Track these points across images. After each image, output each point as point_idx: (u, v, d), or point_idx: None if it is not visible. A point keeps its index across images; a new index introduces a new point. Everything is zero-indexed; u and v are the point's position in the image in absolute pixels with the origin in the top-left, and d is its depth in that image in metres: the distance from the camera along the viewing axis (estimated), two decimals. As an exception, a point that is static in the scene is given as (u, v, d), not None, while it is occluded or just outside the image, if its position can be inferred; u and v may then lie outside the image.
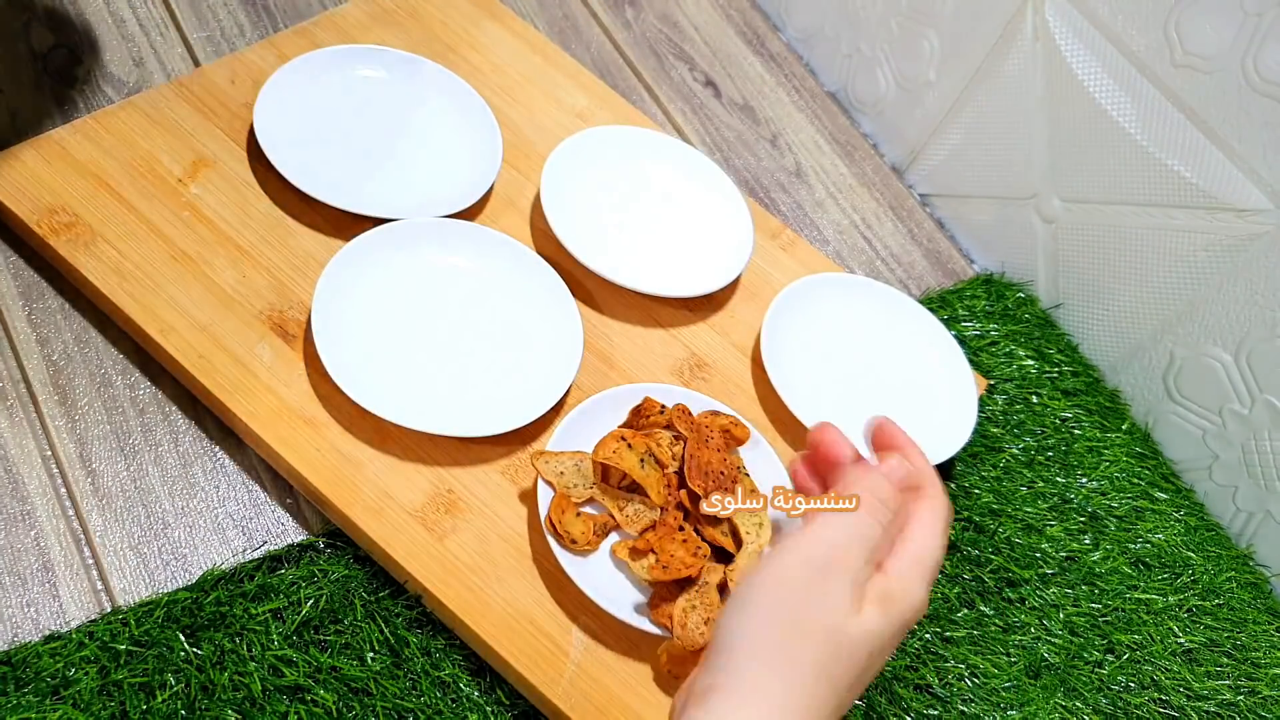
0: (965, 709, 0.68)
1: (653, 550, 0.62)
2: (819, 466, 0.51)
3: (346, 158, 0.74)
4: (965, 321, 0.89)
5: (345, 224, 0.71)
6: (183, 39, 0.81)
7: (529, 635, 0.60)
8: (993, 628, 0.73)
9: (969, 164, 0.94)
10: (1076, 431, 0.85)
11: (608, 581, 0.62)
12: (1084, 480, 0.83)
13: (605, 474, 0.64)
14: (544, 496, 0.63)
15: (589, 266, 0.74)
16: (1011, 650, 0.72)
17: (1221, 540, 0.85)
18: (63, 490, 0.60)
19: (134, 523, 0.60)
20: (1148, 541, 0.81)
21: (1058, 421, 0.86)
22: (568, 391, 0.69)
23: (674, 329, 0.76)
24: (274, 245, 0.69)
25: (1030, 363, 0.88)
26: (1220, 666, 0.77)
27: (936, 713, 0.67)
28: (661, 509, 0.63)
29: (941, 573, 0.74)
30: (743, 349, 0.77)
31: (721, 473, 0.64)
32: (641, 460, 0.63)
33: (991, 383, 0.85)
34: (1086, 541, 0.79)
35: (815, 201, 0.93)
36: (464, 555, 0.61)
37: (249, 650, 0.56)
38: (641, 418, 0.67)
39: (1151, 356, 0.88)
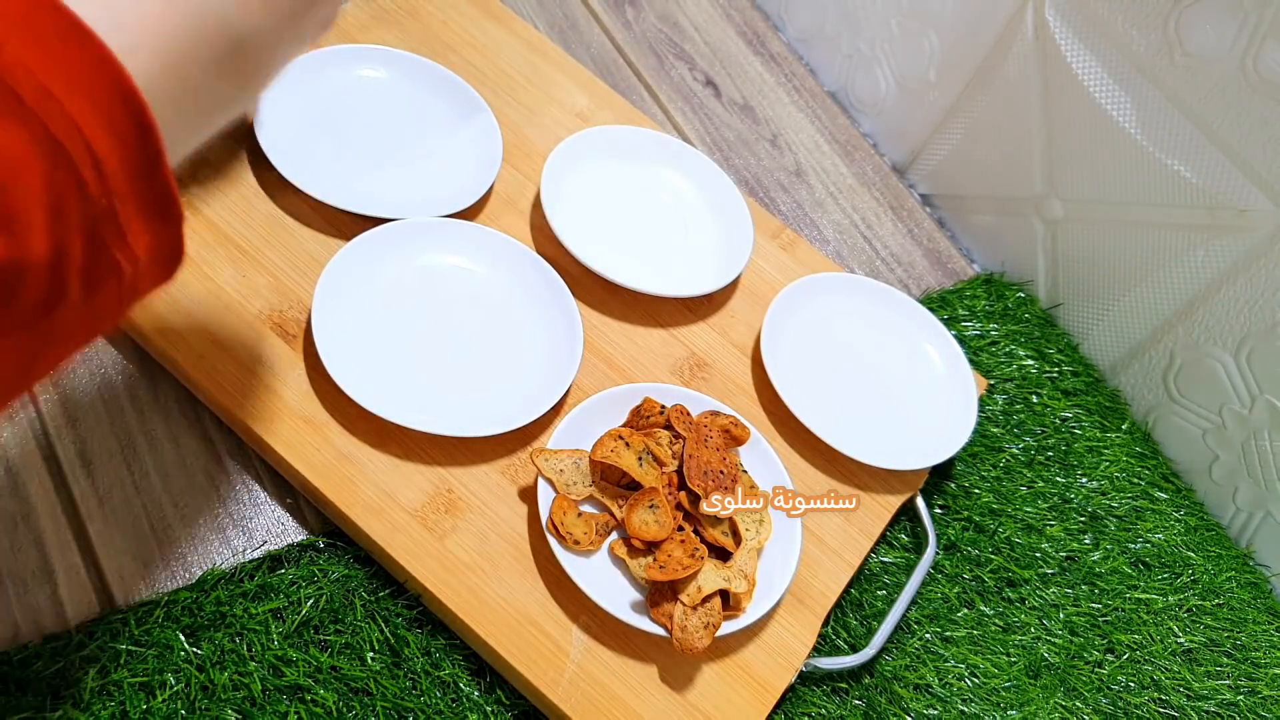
0: (965, 709, 0.68)
1: (651, 549, 0.62)
2: None
3: (346, 158, 0.74)
4: (965, 321, 0.89)
5: (345, 224, 0.71)
6: (183, 39, 0.80)
7: (529, 635, 0.60)
8: (993, 628, 0.73)
9: (969, 164, 0.94)
10: (1076, 431, 0.85)
11: (608, 581, 0.62)
12: (1084, 480, 0.83)
13: (604, 473, 0.64)
14: (544, 496, 0.63)
15: (589, 266, 0.74)
16: (1011, 650, 0.72)
17: (1221, 540, 0.85)
18: (63, 490, 0.60)
19: (134, 523, 0.60)
20: (1148, 541, 0.81)
21: (1058, 421, 0.86)
22: (568, 391, 0.69)
23: (674, 329, 0.76)
24: (274, 245, 0.69)
25: (1030, 363, 0.88)
26: (1220, 666, 0.77)
27: (936, 713, 0.67)
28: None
29: (941, 572, 0.74)
30: (743, 349, 0.77)
31: (721, 472, 0.64)
32: (640, 458, 0.63)
33: (991, 383, 0.85)
34: (1086, 541, 0.79)
35: (815, 201, 0.93)
36: (464, 555, 0.61)
37: (249, 650, 0.56)
38: (641, 418, 0.67)
39: (1151, 356, 0.88)
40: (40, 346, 0.34)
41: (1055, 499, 0.81)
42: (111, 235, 0.34)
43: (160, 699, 0.54)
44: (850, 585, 0.71)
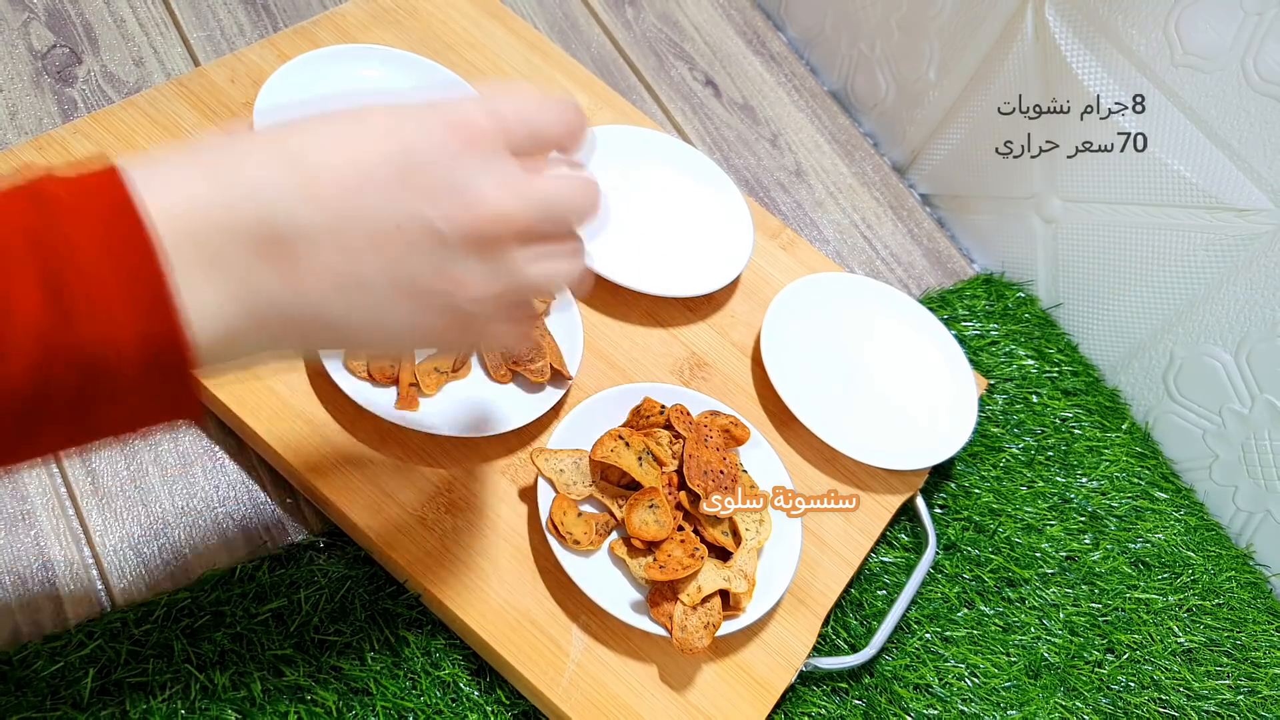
0: (965, 709, 0.68)
1: (651, 549, 0.62)
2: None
3: (346, 158, 0.74)
4: (965, 321, 0.89)
5: (345, 224, 0.71)
6: (183, 39, 0.81)
7: (529, 635, 0.60)
8: (993, 628, 0.73)
9: (969, 164, 0.94)
10: (1076, 431, 0.85)
11: (608, 581, 0.62)
12: (1084, 480, 0.83)
13: (604, 473, 0.64)
14: (544, 495, 0.63)
15: (589, 266, 0.74)
16: (1011, 650, 0.72)
17: (1221, 540, 0.85)
18: (63, 490, 0.60)
19: (134, 523, 0.60)
20: (1148, 541, 0.81)
21: (1058, 421, 0.86)
22: (567, 391, 0.69)
23: (674, 329, 0.76)
24: (274, 245, 0.69)
25: (1030, 363, 0.88)
26: (1220, 666, 0.77)
27: (936, 713, 0.67)
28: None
29: (941, 572, 0.74)
30: (743, 349, 0.77)
31: (721, 472, 0.64)
32: (640, 458, 0.63)
33: (991, 383, 0.85)
34: (1086, 541, 0.79)
35: (815, 201, 0.93)
36: (464, 555, 0.61)
37: (249, 650, 0.56)
38: (641, 418, 0.67)
39: (1151, 356, 0.88)
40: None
41: (1055, 499, 0.81)
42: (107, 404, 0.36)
43: (160, 699, 0.54)
44: (850, 585, 0.71)
